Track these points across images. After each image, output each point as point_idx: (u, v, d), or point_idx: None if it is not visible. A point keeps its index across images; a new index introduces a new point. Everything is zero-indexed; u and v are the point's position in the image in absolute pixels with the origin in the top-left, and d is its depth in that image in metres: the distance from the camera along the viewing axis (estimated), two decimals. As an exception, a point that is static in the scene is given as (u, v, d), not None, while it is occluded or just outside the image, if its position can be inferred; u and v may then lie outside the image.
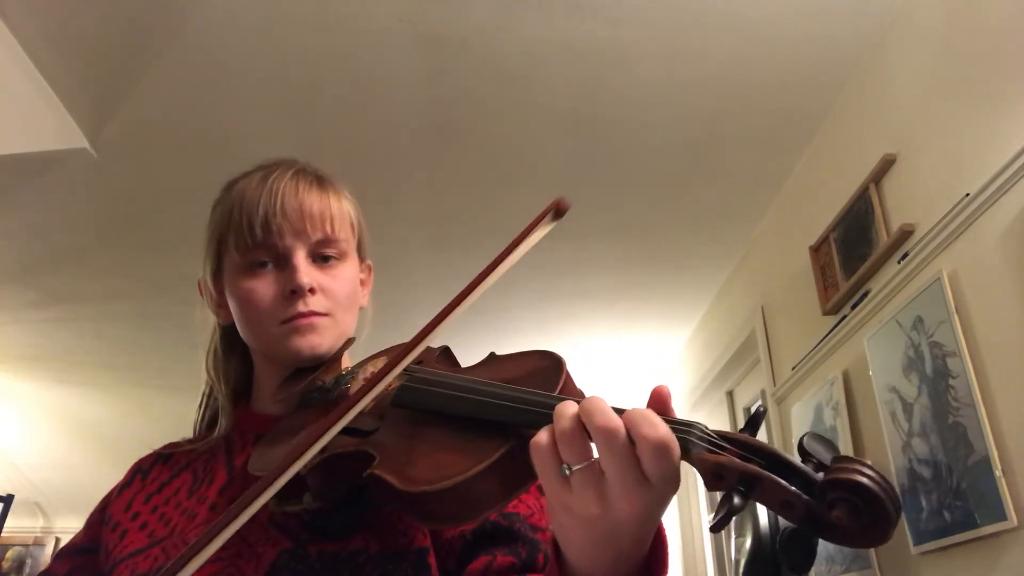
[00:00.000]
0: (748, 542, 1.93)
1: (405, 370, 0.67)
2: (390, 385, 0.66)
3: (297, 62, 2.10)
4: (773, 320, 2.78)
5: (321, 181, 0.81)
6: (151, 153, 2.45)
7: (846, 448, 2.06)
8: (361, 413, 0.60)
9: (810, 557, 0.46)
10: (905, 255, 1.85)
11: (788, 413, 2.53)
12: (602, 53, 2.06)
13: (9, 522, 5.70)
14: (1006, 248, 1.51)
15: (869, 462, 0.45)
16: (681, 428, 0.48)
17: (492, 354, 0.70)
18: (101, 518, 0.81)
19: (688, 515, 3.88)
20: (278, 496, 0.61)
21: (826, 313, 2.25)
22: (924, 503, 1.69)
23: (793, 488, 0.45)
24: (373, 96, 2.21)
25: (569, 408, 0.49)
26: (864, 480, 0.43)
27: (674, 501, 4.15)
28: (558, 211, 0.65)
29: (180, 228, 2.79)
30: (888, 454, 1.84)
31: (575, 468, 0.48)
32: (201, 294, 0.85)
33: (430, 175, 2.60)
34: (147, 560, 0.70)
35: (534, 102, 2.22)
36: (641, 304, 3.51)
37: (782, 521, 0.46)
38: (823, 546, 2.11)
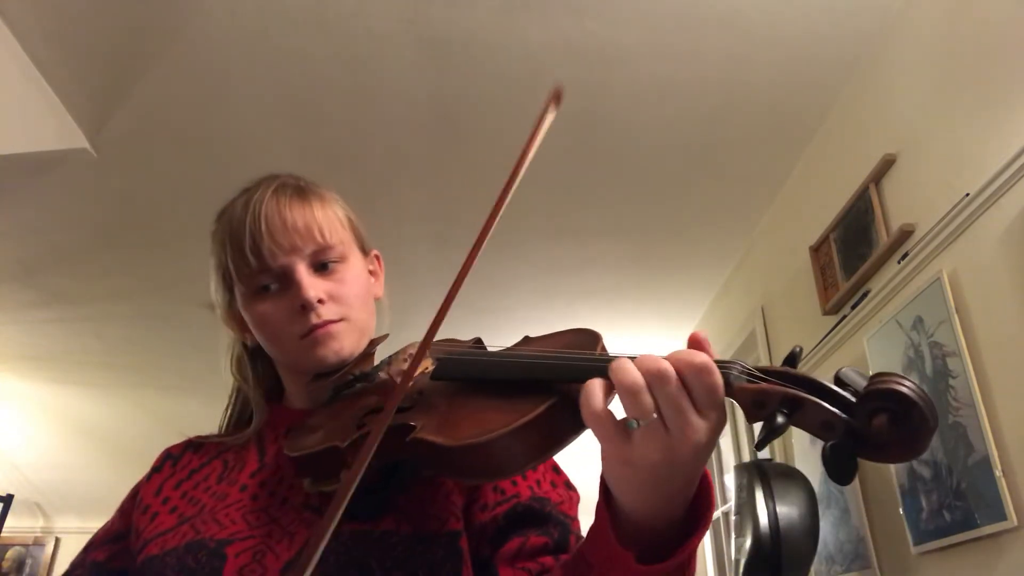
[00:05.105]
0: (748, 542, 1.93)
1: (441, 350, 0.69)
2: (426, 367, 0.68)
3: (297, 63, 2.10)
4: (773, 320, 2.78)
5: (301, 191, 0.81)
6: (151, 153, 2.44)
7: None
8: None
9: (849, 470, 0.48)
10: (905, 255, 1.85)
11: (788, 413, 2.53)
12: (602, 53, 2.06)
13: (9, 522, 5.70)
14: (1006, 248, 1.51)
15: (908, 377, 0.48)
16: (722, 364, 0.51)
17: (527, 336, 0.72)
18: (133, 503, 0.83)
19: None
20: (314, 477, 0.65)
21: (826, 313, 2.25)
22: (924, 503, 1.70)
23: (833, 408, 0.47)
24: (374, 97, 2.21)
25: (627, 363, 0.51)
26: (903, 388, 0.45)
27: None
28: (557, 98, 0.69)
29: (180, 228, 2.79)
30: (888, 454, 1.84)
31: (642, 423, 0.50)
32: (224, 323, 0.86)
33: (432, 175, 2.60)
34: (176, 536, 0.73)
35: (535, 102, 2.21)
36: (641, 304, 3.50)
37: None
38: (823, 545, 2.12)
